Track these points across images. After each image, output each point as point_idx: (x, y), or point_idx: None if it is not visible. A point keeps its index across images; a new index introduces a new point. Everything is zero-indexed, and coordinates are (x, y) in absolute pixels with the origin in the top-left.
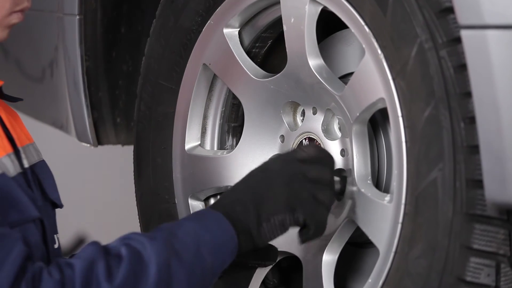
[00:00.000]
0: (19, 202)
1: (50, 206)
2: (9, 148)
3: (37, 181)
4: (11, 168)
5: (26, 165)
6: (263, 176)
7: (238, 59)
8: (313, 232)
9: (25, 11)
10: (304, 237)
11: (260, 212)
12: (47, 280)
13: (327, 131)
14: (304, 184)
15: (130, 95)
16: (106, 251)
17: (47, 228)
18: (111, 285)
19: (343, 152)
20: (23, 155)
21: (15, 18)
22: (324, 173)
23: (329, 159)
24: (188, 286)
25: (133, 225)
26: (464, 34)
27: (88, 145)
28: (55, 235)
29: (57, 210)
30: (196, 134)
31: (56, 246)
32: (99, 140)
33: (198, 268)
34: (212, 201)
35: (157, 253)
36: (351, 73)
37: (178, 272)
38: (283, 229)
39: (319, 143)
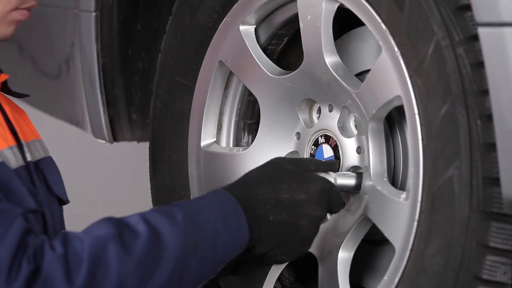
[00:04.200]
0: (16, 192)
1: (55, 201)
2: (11, 141)
3: (42, 176)
4: (13, 161)
5: (29, 159)
6: (285, 179)
7: (254, 56)
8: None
9: (32, 9)
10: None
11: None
12: (49, 255)
13: (343, 129)
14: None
15: (146, 92)
16: (121, 226)
17: (49, 222)
18: (122, 268)
19: (359, 150)
20: (26, 149)
21: (20, 15)
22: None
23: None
24: (199, 277)
25: None
26: (481, 31)
27: (104, 141)
28: (61, 231)
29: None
30: (211, 131)
31: None
32: (115, 137)
33: (210, 260)
34: None
35: (177, 240)
36: (368, 71)
37: (192, 264)
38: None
39: (335, 141)
